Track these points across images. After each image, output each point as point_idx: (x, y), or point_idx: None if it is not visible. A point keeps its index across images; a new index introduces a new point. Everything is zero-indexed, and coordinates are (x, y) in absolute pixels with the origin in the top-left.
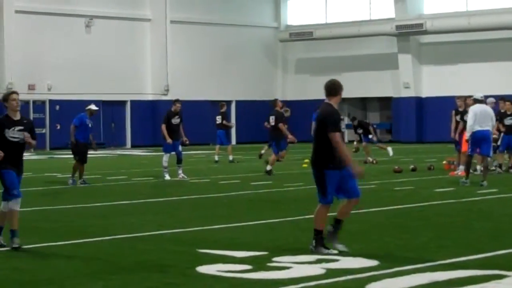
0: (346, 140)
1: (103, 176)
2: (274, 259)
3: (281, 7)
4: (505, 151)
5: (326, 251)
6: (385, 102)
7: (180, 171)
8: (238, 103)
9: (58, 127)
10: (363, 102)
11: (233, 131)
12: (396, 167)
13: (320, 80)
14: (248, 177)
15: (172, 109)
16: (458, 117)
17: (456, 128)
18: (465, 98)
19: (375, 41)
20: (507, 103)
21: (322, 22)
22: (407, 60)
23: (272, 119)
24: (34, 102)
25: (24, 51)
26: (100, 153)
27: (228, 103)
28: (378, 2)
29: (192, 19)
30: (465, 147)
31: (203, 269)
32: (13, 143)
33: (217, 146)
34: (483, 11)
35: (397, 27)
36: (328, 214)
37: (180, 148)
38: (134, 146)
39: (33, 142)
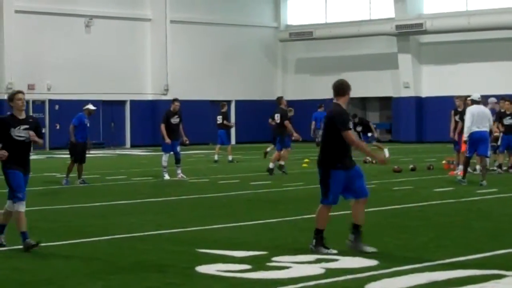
0: None
1: (102, 175)
2: (274, 258)
3: (281, 7)
4: (505, 151)
5: (326, 250)
6: (385, 102)
7: (179, 171)
8: (238, 103)
9: (58, 127)
10: (363, 102)
11: (233, 131)
12: (396, 167)
13: (320, 80)
14: (248, 177)
15: (171, 108)
16: (457, 117)
17: (455, 128)
18: (464, 98)
19: (375, 41)
20: (507, 102)
21: (322, 22)
22: (407, 60)
23: (277, 117)
24: (33, 102)
25: (24, 51)
26: (100, 152)
27: (228, 103)
28: (378, 2)
29: (192, 19)
30: (464, 147)
31: (203, 269)
32: (19, 142)
33: (218, 146)
34: (483, 11)
35: (397, 27)
36: (330, 214)
37: (178, 148)
38: (133, 146)
39: (40, 140)
